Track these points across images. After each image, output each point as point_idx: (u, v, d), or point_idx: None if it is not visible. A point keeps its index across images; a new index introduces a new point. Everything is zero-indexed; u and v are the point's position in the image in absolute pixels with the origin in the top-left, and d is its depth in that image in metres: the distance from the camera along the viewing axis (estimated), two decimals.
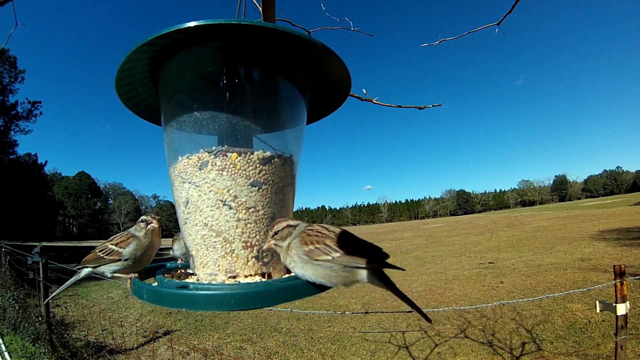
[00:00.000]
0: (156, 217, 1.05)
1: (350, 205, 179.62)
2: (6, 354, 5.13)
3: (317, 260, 0.75)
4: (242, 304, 0.70)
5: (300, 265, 0.77)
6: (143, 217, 1.06)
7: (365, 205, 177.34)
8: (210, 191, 0.85)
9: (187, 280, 0.90)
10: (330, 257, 0.74)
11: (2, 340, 5.59)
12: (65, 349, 5.12)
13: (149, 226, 1.03)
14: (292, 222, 0.81)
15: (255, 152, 0.87)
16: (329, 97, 1.11)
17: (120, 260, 0.99)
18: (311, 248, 0.76)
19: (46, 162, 60.69)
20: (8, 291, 7.11)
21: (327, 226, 0.81)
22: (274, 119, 0.99)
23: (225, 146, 0.87)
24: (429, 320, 0.80)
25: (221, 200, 0.85)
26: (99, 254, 1.02)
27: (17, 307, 6.38)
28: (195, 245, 0.90)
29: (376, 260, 0.76)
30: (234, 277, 0.86)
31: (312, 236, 0.78)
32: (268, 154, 0.89)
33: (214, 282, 0.85)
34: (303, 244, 0.77)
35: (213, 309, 0.70)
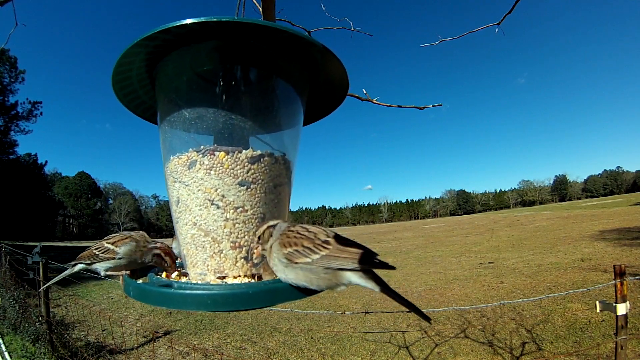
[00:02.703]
0: (166, 249, 1.04)
1: (350, 205, 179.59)
2: (6, 354, 5.13)
3: (296, 263, 0.71)
4: (219, 305, 0.68)
5: (281, 268, 0.74)
6: (157, 247, 1.04)
7: (366, 205, 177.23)
8: (199, 190, 0.85)
9: (180, 279, 0.90)
10: (309, 260, 0.70)
11: (2, 340, 5.59)
12: (65, 349, 5.12)
13: (152, 252, 1.03)
14: (272, 222, 0.78)
15: (244, 151, 0.86)
16: (327, 97, 1.10)
17: (114, 258, 1.01)
18: (290, 250, 0.73)
19: (46, 162, 60.88)
20: (8, 291, 7.11)
21: (308, 227, 0.78)
22: (270, 119, 0.98)
23: (214, 145, 0.86)
24: (428, 320, 0.74)
25: (209, 200, 0.84)
26: (94, 251, 1.03)
27: (17, 307, 6.38)
28: (185, 245, 0.90)
29: (362, 261, 0.69)
30: (223, 277, 0.86)
31: (291, 238, 0.74)
32: (257, 152, 0.88)
33: (200, 282, 0.85)
34: (282, 247, 0.74)
35: (191, 309, 0.69)
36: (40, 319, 5.50)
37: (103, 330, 6.43)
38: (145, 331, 6.53)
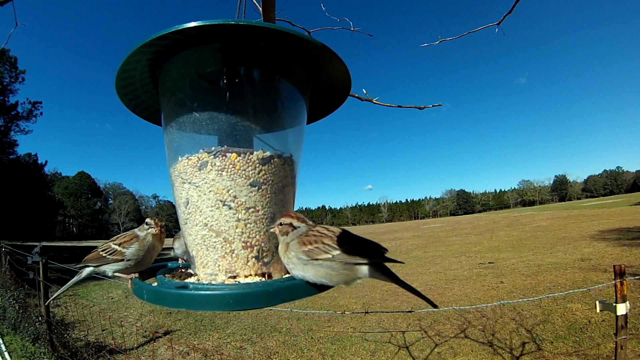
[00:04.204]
0: (160, 223, 1.06)
1: (350, 205, 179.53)
2: (6, 354, 5.13)
3: (316, 259, 0.75)
4: (241, 304, 0.70)
5: (299, 267, 0.76)
6: (148, 220, 1.07)
7: (366, 205, 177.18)
8: (210, 191, 0.86)
9: (187, 280, 0.90)
10: (330, 255, 0.74)
11: (2, 340, 5.59)
12: (65, 349, 5.12)
13: (149, 229, 1.04)
14: (295, 223, 0.81)
15: (255, 152, 0.87)
16: (329, 97, 1.11)
17: (122, 260, 1.00)
18: (310, 248, 0.76)
19: (46, 162, 61.02)
20: (8, 291, 7.11)
21: (327, 226, 0.82)
22: (274, 119, 0.99)
23: (225, 146, 0.87)
24: (435, 306, 0.82)
25: (221, 201, 0.85)
26: (101, 253, 1.02)
27: (17, 307, 6.38)
28: (195, 246, 0.90)
29: (376, 255, 0.76)
30: (234, 277, 0.87)
31: (310, 236, 0.78)
32: (267, 154, 0.89)
33: (213, 282, 0.85)
34: (301, 245, 0.77)
35: (212, 309, 0.70)
36: (40, 319, 5.50)
37: (103, 330, 6.43)
38: (145, 331, 6.53)
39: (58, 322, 6.24)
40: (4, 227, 38.83)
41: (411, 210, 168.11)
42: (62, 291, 1.18)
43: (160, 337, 6.27)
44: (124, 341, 5.93)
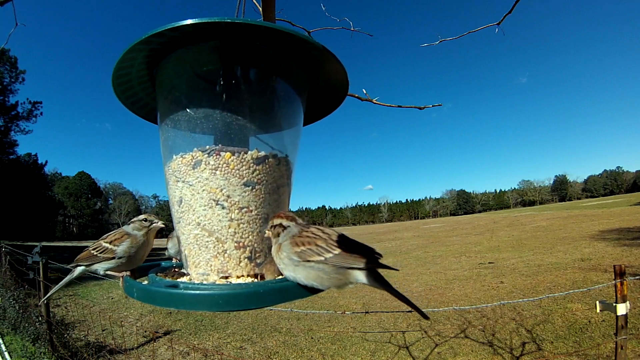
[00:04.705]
0: (160, 220, 1.05)
1: (350, 205, 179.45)
2: (6, 354, 5.13)
3: (308, 261, 0.73)
4: (231, 305, 0.69)
5: (291, 267, 0.75)
6: (146, 216, 1.05)
7: (366, 205, 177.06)
8: (204, 190, 0.85)
9: (180, 279, 0.90)
10: (322, 258, 0.72)
11: (2, 340, 5.58)
12: (65, 349, 5.12)
13: (152, 225, 1.02)
14: (285, 223, 0.79)
15: (249, 152, 0.87)
16: (327, 97, 1.11)
17: (114, 258, 0.98)
18: (303, 249, 0.74)
19: (46, 162, 61.19)
20: (8, 291, 7.11)
21: (322, 228, 0.80)
22: (270, 119, 0.98)
23: (219, 145, 0.86)
24: (426, 317, 0.79)
25: (214, 200, 0.84)
26: (92, 252, 1.01)
27: (17, 307, 6.38)
28: (188, 245, 0.90)
29: (370, 261, 0.74)
30: (226, 277, 0.86)
31: (304, 237, 0.76)
32: (262, 153, 0.88)
33: (205, 282, 0.84)
34: (294, 245, 0.75)
35: (201, 309, 0.69)
36: (40, 319, 5.50)
37: (103, 330, 6.43)
38: (145, 331, 6.53)
39: (58, 322, 6.24)
40: (4, 227, 38.85)
41: (411, 210, 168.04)
42: (55, 291, 1.16)
43: (160, 337, 6.26)
44: (124, 341, 5.93)
